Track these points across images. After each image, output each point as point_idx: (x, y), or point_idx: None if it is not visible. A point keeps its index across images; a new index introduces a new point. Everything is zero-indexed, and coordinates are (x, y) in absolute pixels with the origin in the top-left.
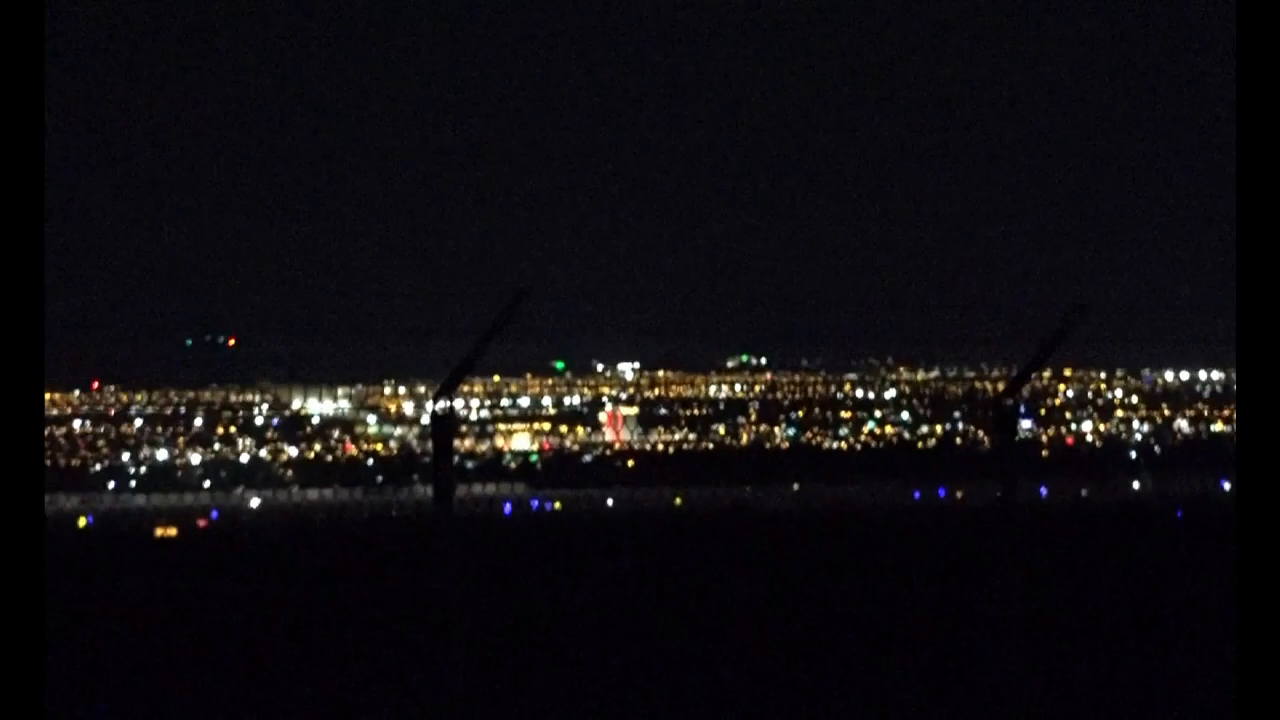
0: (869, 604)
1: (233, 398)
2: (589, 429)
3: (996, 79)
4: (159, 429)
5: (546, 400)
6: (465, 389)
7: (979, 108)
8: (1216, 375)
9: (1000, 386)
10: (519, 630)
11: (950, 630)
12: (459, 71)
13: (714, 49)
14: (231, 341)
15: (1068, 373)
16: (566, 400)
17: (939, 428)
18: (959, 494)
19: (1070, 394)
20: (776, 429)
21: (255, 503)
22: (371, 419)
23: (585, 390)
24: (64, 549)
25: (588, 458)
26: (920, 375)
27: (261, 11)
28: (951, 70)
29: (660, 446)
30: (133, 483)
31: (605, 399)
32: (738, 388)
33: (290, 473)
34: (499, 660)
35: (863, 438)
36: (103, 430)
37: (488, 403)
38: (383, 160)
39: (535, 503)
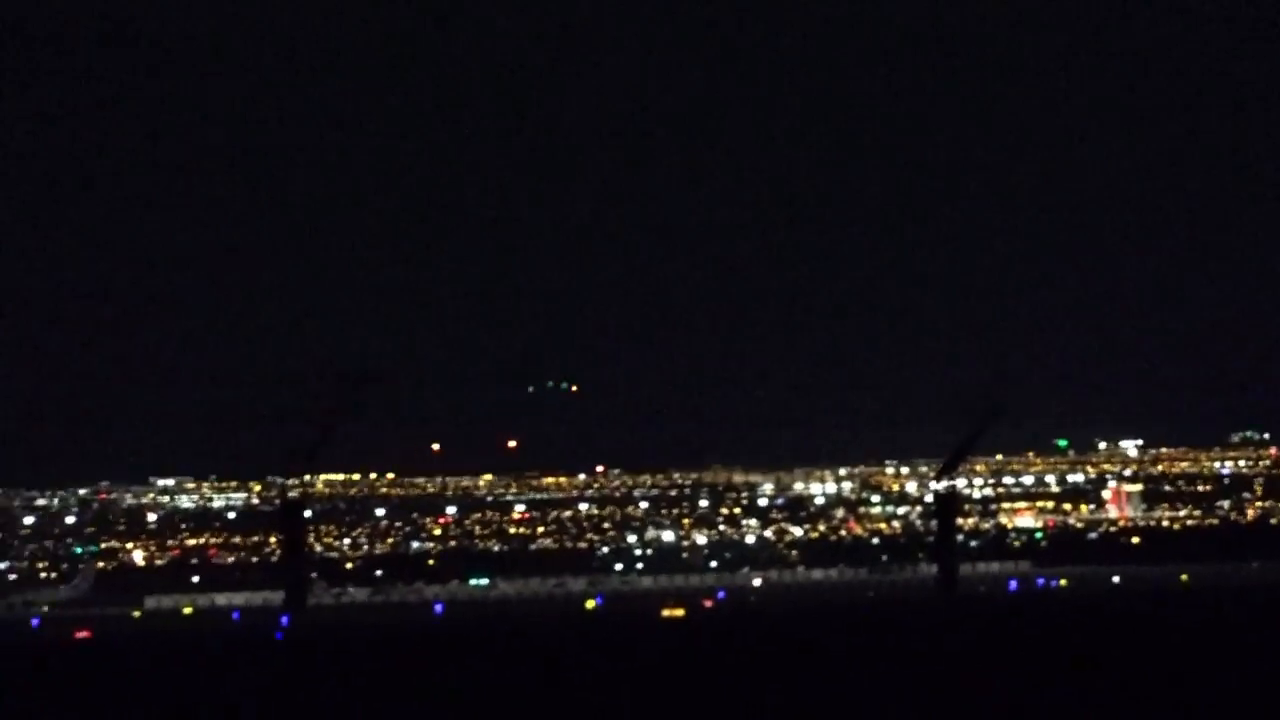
0: None
1: (735, 479)
2: (1093, 506)
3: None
4: (663, 510)
5: (1050, 478)
6: (968, 468)
7: None
8: None
9: None
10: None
11: None
12: None
13: None
14: (574, 388)
15: None
16: (1070, 478)
17: None
18: None
19: None
20: None
21: (757, 582)
22: (875, 498)
23: (1088, 468)
24: (572, 630)
25: (1092, 535)
26: None
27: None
28: None
29: (1165, 523)
30: (639, 564)
31: (1109, 476)
32: (1242, 463)
33: (795, 553)
34: None
35: None
36: (608, 512)
37: (990, 481)
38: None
39: (1040, 580)
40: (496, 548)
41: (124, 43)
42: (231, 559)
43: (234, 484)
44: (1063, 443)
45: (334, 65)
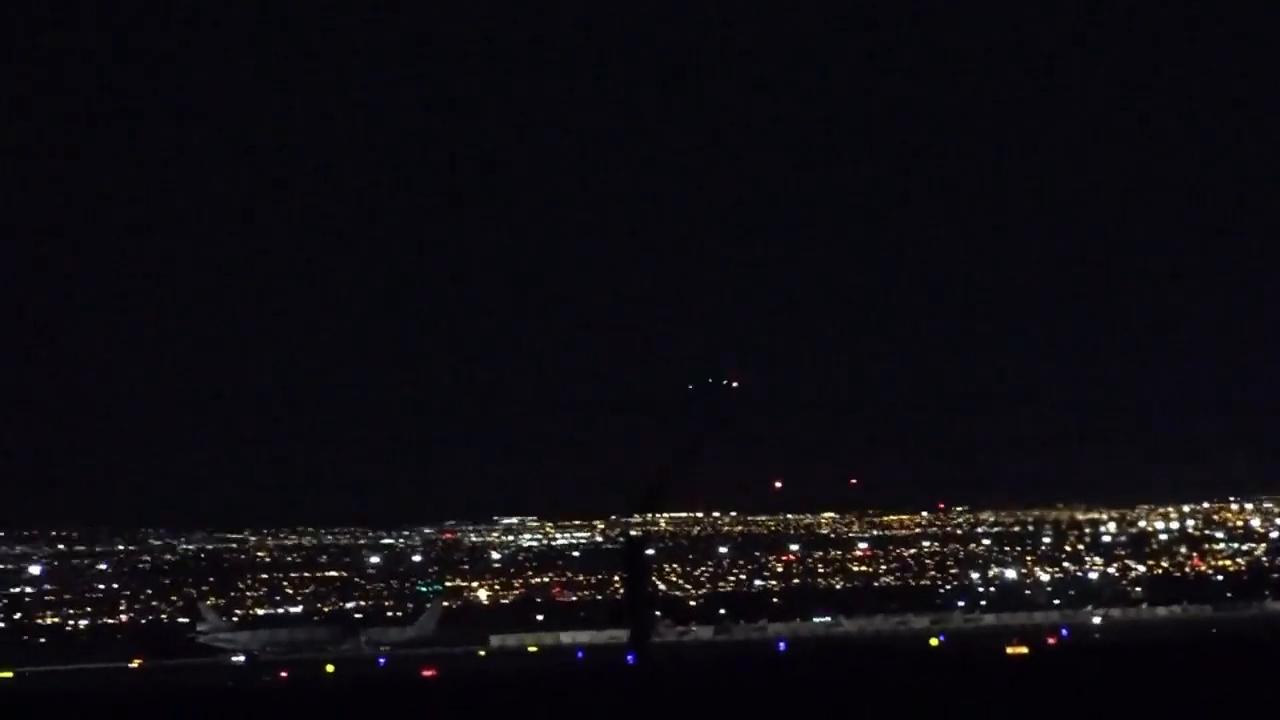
0: None
1: (1078, 516)
2: None
3: None
4: (1006, 547)
5: None
6: None
7: None
8: None
9: None
10: None
11: None
12: None
13: None
14: (735, 384)
15: None
16: None
17: None
18: None
19: None
20: None
21: (1097, 619)
22: (1219, 535)
23: None
24: (914, 667)
25: None
26: None
27: None
28: None
29: None
30: (982, 601)
31: None
32: None
33: (1138, 589)
34: None
35: None
36: (951, 549)
37: None
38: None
39: None
40: (839, 585)
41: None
42: (575, 597)
43: (577, 522)
44: None
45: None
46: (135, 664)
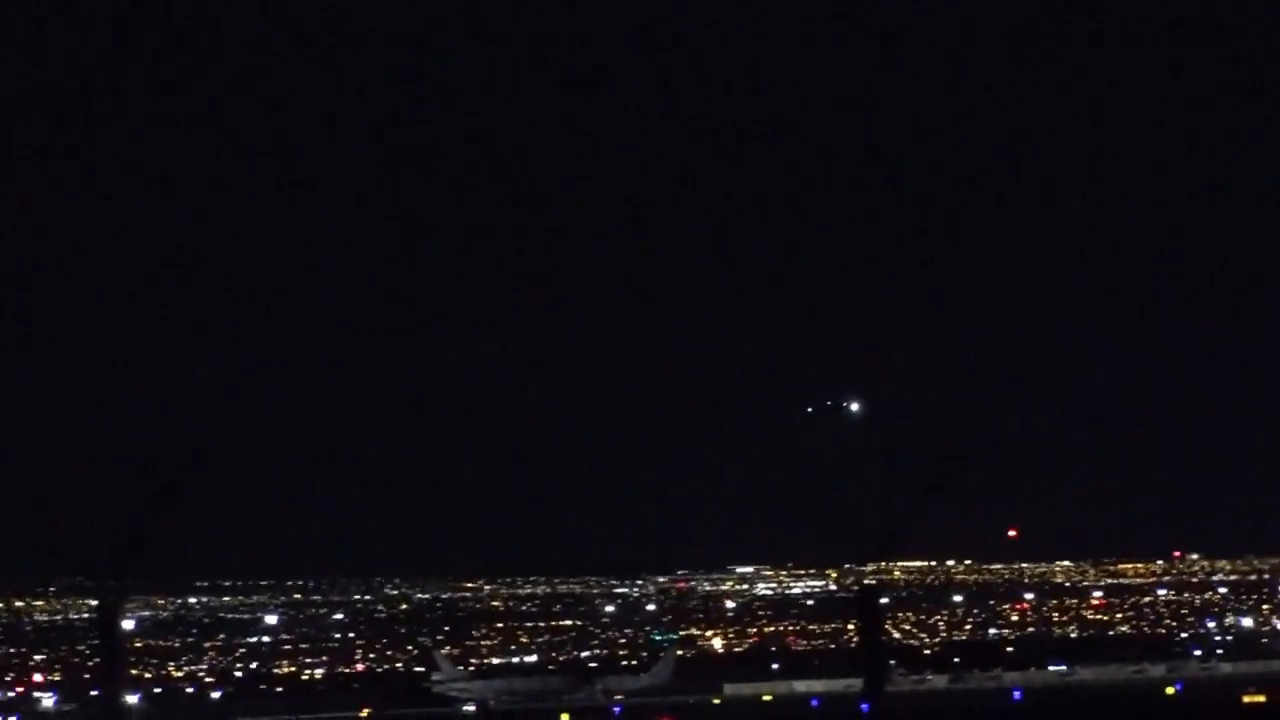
0: None
1: None
2: None
3: None
4: (1243, 596)
5: None
6: None
7: None
8: None
9: None
10: None
11: None
12: None
13: None
14: (854, 406)
15: None
16: None
17: None
18: None
19: None
20: None
21: None
22: None
23: None
24: (1152, 717)
25: None
26: None
27: None
28: None
29: None
30: (1218, 650)
31: None
32: None
33: None
34: None
35: None
36: (1186, 598)
37: None
38: None
39: None
40: (1074, 633)
41: None
42: (809, 645)
43: (811, 571)
44: None
45: None
46: (364, 713)
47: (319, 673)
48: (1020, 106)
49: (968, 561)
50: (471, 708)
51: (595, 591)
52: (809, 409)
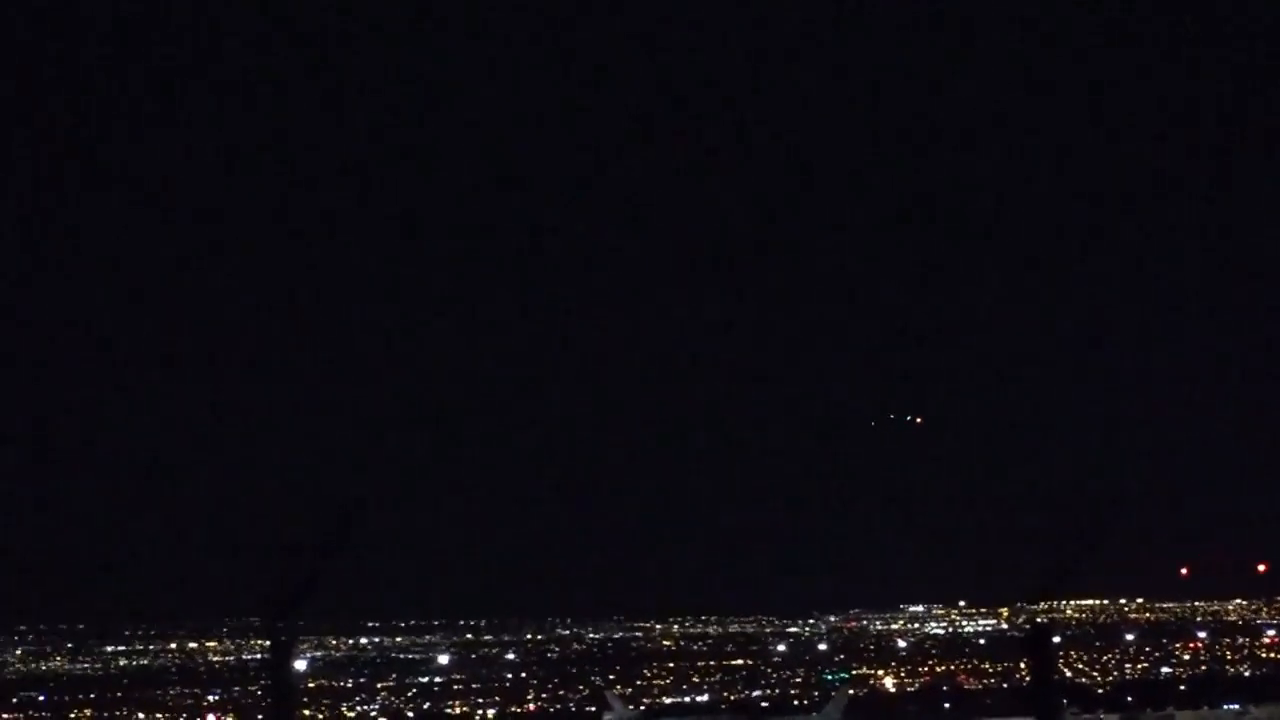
0: None
1: None
2: None
3: None
4: None
5: None
6: None
7: None
8: None
9: None
10: None
11: None
12: None
13: None
14: (918, 419)
15: None
16: None
17: None
18: None
19: None
20: None
21: None
22: None
23: None
24: None
25: None
26: None
27: None
28: None
29: None
30: None
31: None
32: None
33: None
34: None
35: None
36: None
37: None
38: None
39: None
40: (1247, 673)
41: None
42: (981, 685)
43: (983, 609)
44: None
45: None
46: None
47: (490, 713)
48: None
49: (1139, 599)
50: None
51: (767, 630)
52: (872, 423)
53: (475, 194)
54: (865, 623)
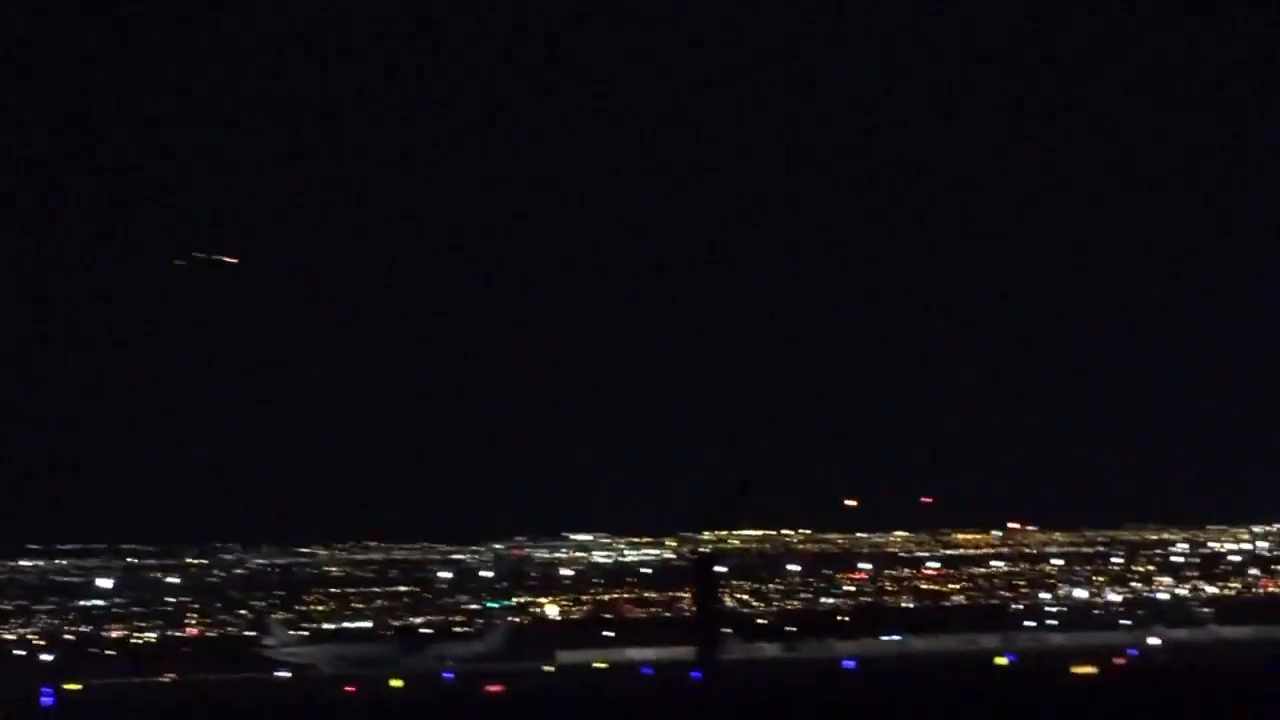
0: None
1: (1149, 536)
2: None
3: None
4: (1076, 567)
5: None
6: None
7: None
8: None
9: None
10: None
11: None
12: None
13: None
14: (234, 260)
15: None
16: None
17: None
18: None
19: None
20: None
21: (1155, 640)
22: None
23: None
24: (983, 687)
25: None
26: None
27: None
28: None
29: None
30: (1051, 621)
31: None
32: None
33: (1208, 610)
34: None
35: None
36: (1021, 569)
37: None
38: None
39: None
40: (908, 604)
41: None
42: (644, 614)
43: (648, 539)
44: None
45: None
46: (168, 678)
47: (151, 636)
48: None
49: (804, 531)
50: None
51: (431, 558)
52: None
53: None
54: (530, 551)
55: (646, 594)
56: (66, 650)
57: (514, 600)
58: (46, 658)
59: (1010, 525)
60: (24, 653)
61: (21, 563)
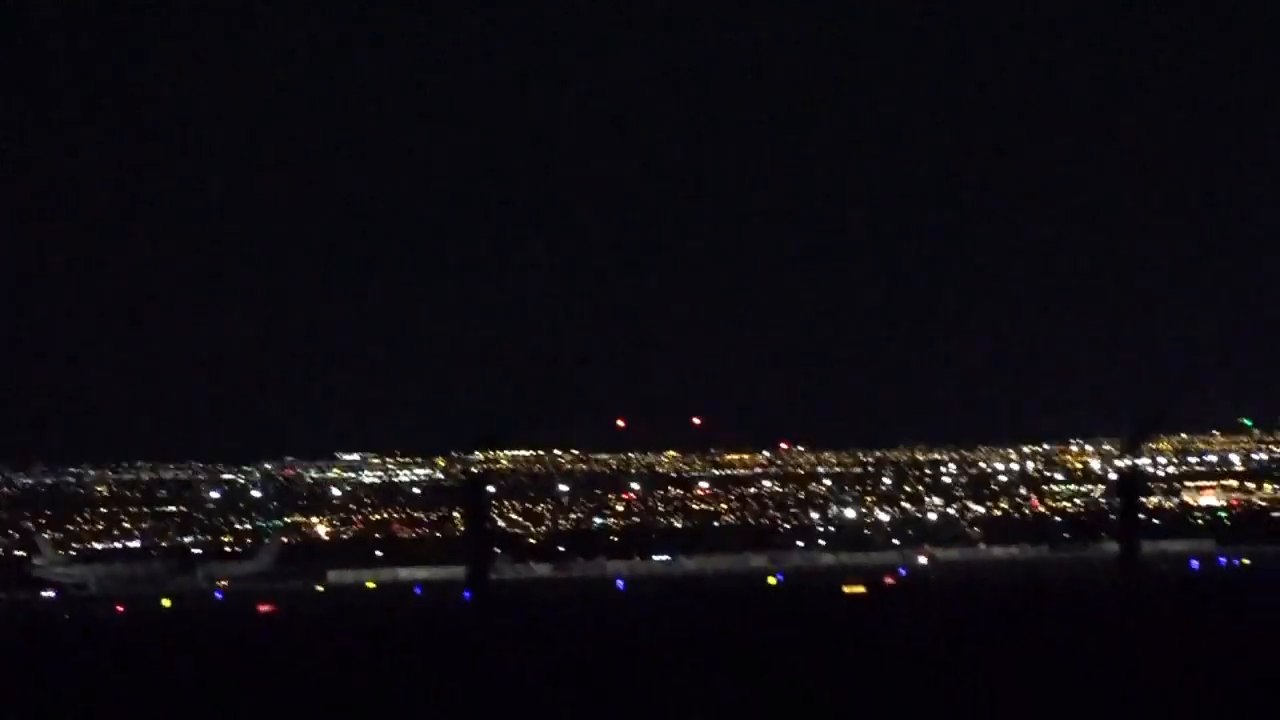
0: None
1: (919, 456)
2: (1277, 486)
3: None
4: (846, 488)
5: (1234, 457)
6: (1153, 446)
7: None
8: None
9: None
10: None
11: None
12: None
13: None
14: None
15: None
16: (1254, 456)
17: None
18: None
19: None
20: None
21: (923, 560)
22: (1059, 476)
23: (1274, 447)
24: (753, 605)
25: (1277, 514)
26: None
27: None
28: None
29: None
30: (821, 540)
31: None
32: None
33: (977, 530)
34: None
35: None
36: (791, 489)
37: (1175, 460)
38: None
39: (1223, 560)
40: (679, 524)
41: None
42: (415, 534)
43: (418, 459)
44: (1248, 421)
45: None
46: None
47: None
48: None
49: (574, 451)
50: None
51: (200, 478)
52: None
53: None
54: (300, 470)
55: (417, 514)
56: None
57: (284, 520)
58: None
59: (780, 445)
60: None
61: None
